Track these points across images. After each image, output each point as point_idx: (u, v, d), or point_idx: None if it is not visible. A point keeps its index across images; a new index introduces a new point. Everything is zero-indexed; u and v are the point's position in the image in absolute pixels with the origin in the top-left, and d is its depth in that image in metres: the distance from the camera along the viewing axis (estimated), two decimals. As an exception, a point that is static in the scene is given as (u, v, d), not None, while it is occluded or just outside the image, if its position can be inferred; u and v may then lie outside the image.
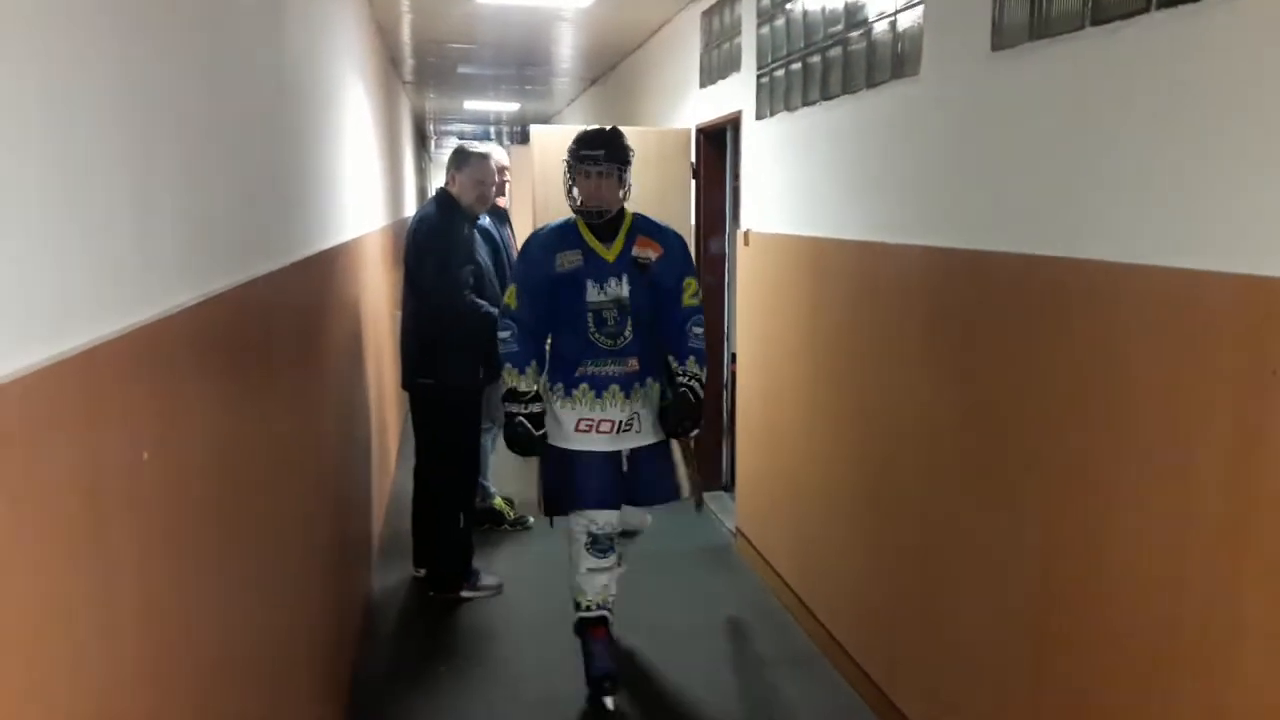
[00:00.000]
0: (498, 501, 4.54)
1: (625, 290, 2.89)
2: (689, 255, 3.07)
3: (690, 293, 2.98)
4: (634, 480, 3.00)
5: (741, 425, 4.35)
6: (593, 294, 2.88)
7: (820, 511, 3.31)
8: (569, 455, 2.98)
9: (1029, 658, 2.11)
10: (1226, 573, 1.55)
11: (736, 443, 4.50)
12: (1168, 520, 1.67)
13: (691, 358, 2.95)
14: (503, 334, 2.93)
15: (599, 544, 3.00)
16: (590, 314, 2.88)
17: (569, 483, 2.99)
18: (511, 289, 2.96)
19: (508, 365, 2.93)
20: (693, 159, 4.87)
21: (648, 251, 2.92)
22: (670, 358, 2.99)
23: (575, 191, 2.90)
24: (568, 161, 2.90)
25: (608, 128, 2.96)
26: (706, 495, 4.98)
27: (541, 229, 3.02)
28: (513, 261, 4.00)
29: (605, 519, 3.00)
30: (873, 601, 2.94)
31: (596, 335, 2.90)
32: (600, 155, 2.82)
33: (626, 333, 2.91)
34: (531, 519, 4.55)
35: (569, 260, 2.88)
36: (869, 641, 2.98)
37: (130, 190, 1.11)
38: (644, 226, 2.99)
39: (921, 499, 2.61)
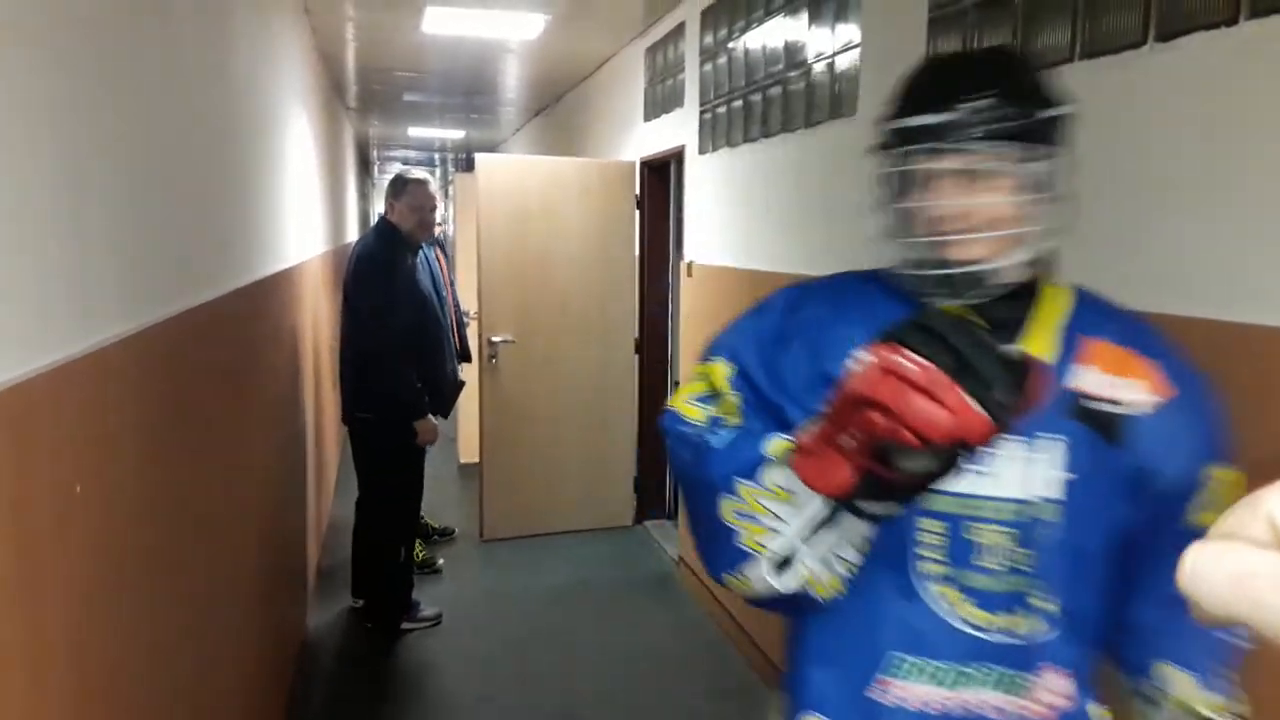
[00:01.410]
0: None
1: (1058, 480, 1.03)
2: (1219, 409, 1.10)
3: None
4: None
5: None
6: (954, 479, 0.87)
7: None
8: None
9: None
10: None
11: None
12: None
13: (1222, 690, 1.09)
14: (683, 450, 1.19)
15: None
16: (924, 531, 1.06)
17: None
18: (717, 371, 1.24)
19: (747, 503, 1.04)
20: (637, 191, 4.93)
21: (1127, 384, 1.05)
22: (1169, 675, 1.09)
23: (905, 212, 1.17)
24: (882, 130, 1.20)
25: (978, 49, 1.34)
26: (650, 523, 5.00)
27: (808, 285, 1.32)
28: (438, 281, 3.91)
29: None
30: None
31: (943, 590, 1.06)
32: (985, 105, 1.02)
33: (1039, 599, 1.04)
34: (441, 561, 4.38)
35: None
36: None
37: (63, 219, 1.10)
38: (1101, 317, 1.11)
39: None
